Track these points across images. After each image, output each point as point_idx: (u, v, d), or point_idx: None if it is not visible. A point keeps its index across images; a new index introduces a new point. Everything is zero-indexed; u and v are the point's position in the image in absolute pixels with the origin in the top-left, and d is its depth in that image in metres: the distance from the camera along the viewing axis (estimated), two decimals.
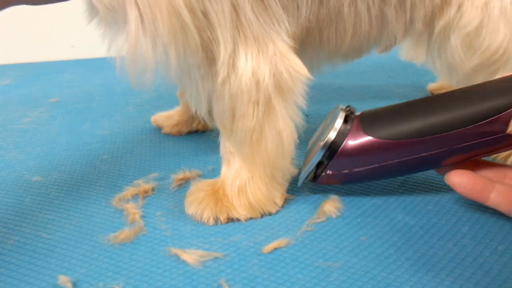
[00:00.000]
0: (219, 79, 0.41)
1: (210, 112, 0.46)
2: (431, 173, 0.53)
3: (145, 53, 0.39)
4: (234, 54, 0.40)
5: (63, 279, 0.39)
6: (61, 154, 0.61)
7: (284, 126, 0.44)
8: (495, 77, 0.54)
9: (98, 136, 0.66)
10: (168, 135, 0.66)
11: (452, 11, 0.52)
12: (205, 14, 0.39)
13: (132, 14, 0.38)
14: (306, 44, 0.48)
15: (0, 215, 0.49)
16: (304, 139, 0.61)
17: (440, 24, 0.53)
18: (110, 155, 0.61)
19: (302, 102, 0.45)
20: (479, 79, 0.56)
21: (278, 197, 0.48)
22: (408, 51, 0.70)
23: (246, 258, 0.42)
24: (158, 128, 0.68)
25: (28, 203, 0.51)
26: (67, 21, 1.12)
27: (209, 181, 0.49)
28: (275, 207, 0.47)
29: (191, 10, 0.38)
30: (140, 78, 0.41)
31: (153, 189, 0.52)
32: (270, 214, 0.47)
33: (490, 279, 0.38)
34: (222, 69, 0.40)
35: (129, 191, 0.51)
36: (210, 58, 0.41)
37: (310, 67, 0.45)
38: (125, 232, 0.45)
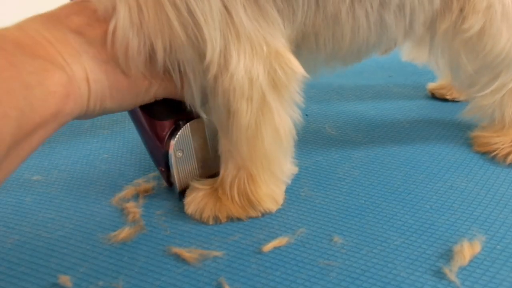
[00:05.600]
0: (210, 75, 0.41)
1: (205, 108, 0.46)
2: (430, 172, 0.54)
3: (131, 43, 0.40)
4: (225, 53, 0.41)
5: (63, 278, 0.39)
6: (61, 154, 0.61)
7: (281, 122, 0.44)
8: (498, 79, 0.54)
9: (99, 135, 0.66)
10: None
11: (453, 15, 0.52)
12: (190, 13, 0.39)
13: (122, 3, 0.39)
14: (302, 48, 0.48)
15: (1, 214, 0.49)
16: (304, 138, 0.62)
17: (442, 27, 0.53)
18: (110, 154, 0.61)
19: (299, 99, 0.45)
20: (482, 81, 0.56)
21: (279, 194, 0.48)
22: (409, 53, 0.70)
23: (245, 257, 0.42)
24: None
25: (29, 202, 0.51)
26: None
27: (208, 180, 0.49)
28: (275, 205, 0.47)
29: (174, 7, 0.39)
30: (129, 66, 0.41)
31: (153, 188, 0.52)
32: (270, 212, 0.47)
33: (489, 277, 0.38)
34: (211, 67, 0.41)
35: (129, 190, 0.51)
36: (199, 54, 0.41)
37: (306, 70, 0.45)
38: (125, 231, 0.45)
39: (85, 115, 0.40)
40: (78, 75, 0.38)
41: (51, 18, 0.39)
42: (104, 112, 0.42)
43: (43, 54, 0.36)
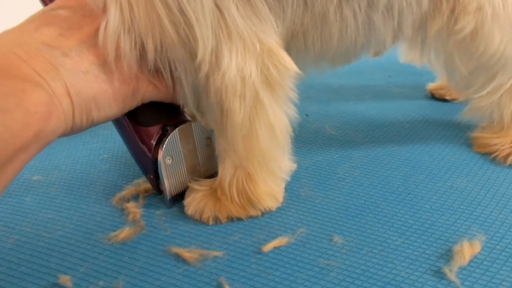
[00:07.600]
0: (201, 74, 0.41)
1: (198, 108, 0.46)
2: (430, 172, 0.54)
3: (122, 42, 0.39)
4: (217, 51, 0.40)
5: (63, 278, 0.39)
6: (61, 154, 0.61)
7: (276, 119, 0.44)
8: (494, 80, 0.54)
9: (99, 135, 0.66)
10: None
11: (444, 16, 0.52)
12: (181, 11, 0.39)
13: (113, 2, 0.38)
14: (291, 47, 0.48)
15: (1, 214, 0.49)
16: (304, 138, 0.62)
17: (433, 29, 0.52)
18: (110, 154, 0.61)
19: (293, 95, 0.45)
20: (478, 82, 0.56)
21: (278, 192, 0.48)
22: (407, 54, 0.70)
23: (245, 257, 0.42)
24: None
25: (29, 202, 0.51)
26: None
27: (207, 181, 0.49)
28: (275, 203, 0.47)
29: (166, 5, 0.38)
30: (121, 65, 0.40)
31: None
32: (271, 210, 0.47)
33: (488, 277, 0.38)
34: (202, 66, 0.41)
35: (129, 190, 0.51)
36: (191, 53, 0.41)
37: None
38: (125, 231, 0.45)
39: (72, 130, 0.39)
40: (58, 91, 0.36)
41: (21, 33, 0.38)
42: (92, 124, 0.40)
43: (18, 74, 0.34)
